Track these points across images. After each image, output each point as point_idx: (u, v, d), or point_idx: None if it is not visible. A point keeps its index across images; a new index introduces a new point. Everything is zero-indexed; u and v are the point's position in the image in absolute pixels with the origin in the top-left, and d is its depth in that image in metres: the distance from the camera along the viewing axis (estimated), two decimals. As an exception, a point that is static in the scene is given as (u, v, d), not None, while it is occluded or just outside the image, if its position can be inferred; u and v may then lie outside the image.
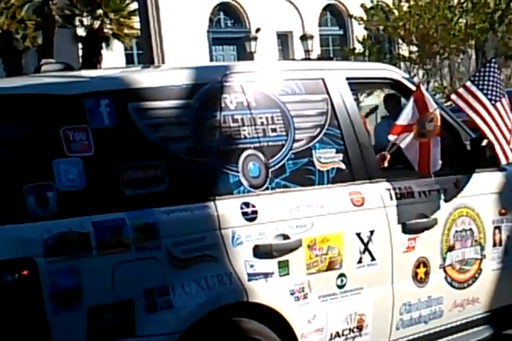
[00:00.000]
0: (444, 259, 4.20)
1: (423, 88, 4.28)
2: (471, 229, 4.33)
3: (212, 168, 3.48)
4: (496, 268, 4.46)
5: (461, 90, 4.22)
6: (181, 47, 22.89)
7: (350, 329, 3.79)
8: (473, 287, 4.34)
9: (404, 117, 4.22)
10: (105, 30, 19.58)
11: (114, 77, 3.63)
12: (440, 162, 4.20)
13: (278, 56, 26.07)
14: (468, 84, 4.22)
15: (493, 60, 4.29)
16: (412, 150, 4.17)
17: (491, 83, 4.18)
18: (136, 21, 17.49)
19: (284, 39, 27.22)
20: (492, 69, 4.20)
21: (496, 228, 4.46)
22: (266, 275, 3.48)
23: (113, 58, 19.43)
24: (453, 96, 4.23)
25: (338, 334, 3.74)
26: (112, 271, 3.10)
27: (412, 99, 4.23)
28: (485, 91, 4.20)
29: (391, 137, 4.23)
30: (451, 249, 4.23)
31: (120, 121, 3.30)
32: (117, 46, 20.85)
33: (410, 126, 4.21)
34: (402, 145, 4.20)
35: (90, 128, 3.22)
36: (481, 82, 4.19)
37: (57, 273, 2.99)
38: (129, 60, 23.11)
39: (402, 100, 6.16)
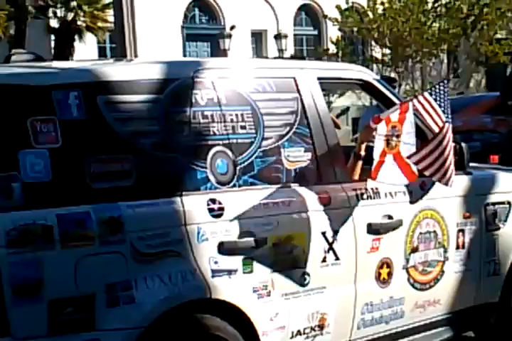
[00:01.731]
0: (408, 260, 4.23)
1: (418, 108, 4.11)
2: (435, 232, 4.37)
3: (180, 163, 3.47)
4: (458, 270, 4.50)
5: (421, 99, 4.13)
6: (155, 42, 22.81)
7: (311, 328, 3.81)
8: (435, 289, 4.38)
9: (387, 114, 4.14)
10: (78, 23, 19.47)
11: (84, 69, 3.61)
12: (385, 182, 4.09)
13: (252, 54, 26.10)
14: (427, 95, 4.14)
15: (446, 81, 4.23)
16: (377, 149, 4.08)
17: (446, 102, 4.11)
18: (110, 14, 17.42)
19: (258, 37, 27.25)
20: (446, 90, 4.12)
21: (459, 231, 4.50)
22: (230, 272, 3.48)
23: (86, 51, 19.32)
24: (415, 101, 4.12)
25: (299, 333, 3.76)
26: (75, 265, 3.08)
27: (398, 107, 4.12)
28: (442, 108, 4.12)
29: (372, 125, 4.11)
30: (414, 250, 4.26)
31: (89, 114, 3.28)
32: (90, 39, 20.75)
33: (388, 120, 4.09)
34: (375, 142, 4.08)
35: (58, 120, 3.20)
36: (437, 97, 4.12)
37: (19, 264, 2.97)
38: (102, 54, 22.98)
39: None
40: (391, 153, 4.05)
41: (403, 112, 4.08)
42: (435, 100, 4.09)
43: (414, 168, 4.08)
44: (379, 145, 4.06)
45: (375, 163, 4.05)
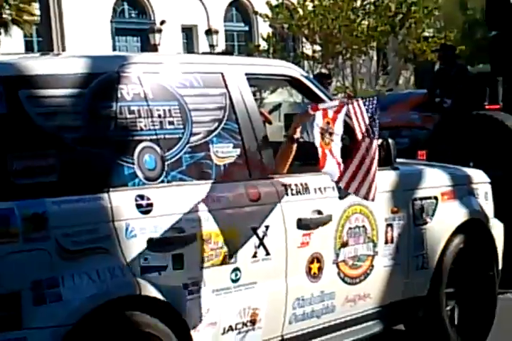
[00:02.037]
0: (338, 255, 4.26)
1: (347, 109, 4.08)
2: (364, 226, 4.41)
3: (107, 159, 3.41)
4: (387, 264, 4.55)
5: (355, 105, 4.11)
6: (83, 36, 22.49)
7: (243, 323, 3.80)
8: (365, 283, 4.42)
9: (325, 105, 4.11)
10: (4, 16, 19.05)
11: (5, 62, 3.51)
12: (329, 172, 4.06)
13: (182, 49, 25.97)
14: (361, 103, 4.13)
15: (376, 99, 4.22)
16: (316, 137, 4.01)
17: (376, 118, 4.11)
18: (36, 8, 17.08)
19: (188, 33, 27.14)
20: (376, 106, 4.12)
21: (388, 225, 4.55)
22: (159, 268, 3.44)
23: (12, 45, 18.93)
24: (349, 106, 4.09)
25: (231, 328, 3.75)
26: None
27: (335, 105, 4.11)
28: (370, 121, 4.11)
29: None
30: (344, 245, 4.29)
31: (11, 108, 3.19)
32: (16, 32, 20.33)
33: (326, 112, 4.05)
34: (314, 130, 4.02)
35: None
36: (369, 110, 4.10)
37: None
38: (29, 47, 22.55)
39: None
40: (326, 148, 4.02)
41: (337, 112, 4.07)
42: (366, 111, 4.10)
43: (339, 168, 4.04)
44: (317, 135, 4.02)
45: (320, 151, 3.98)
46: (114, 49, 24.75)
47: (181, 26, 26.48)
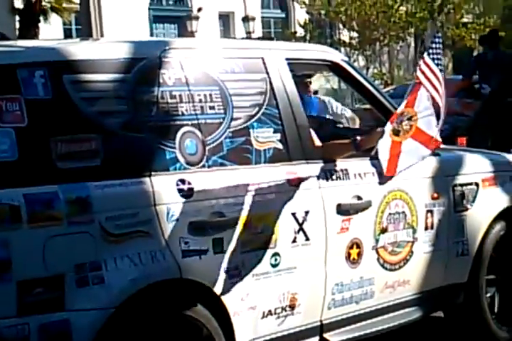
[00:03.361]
0: (377, 241, 4.24)
1: (423, 81, 4.14)
2: (404, 212, 4.39)
3: (149, 143, 3.43)
4: (427, 251, 4.52)
5: (423, 67, 4.14)
6: (121, 23, 22.55)
7: (282, 308, 3.81)
8: (405, 269, 4.40)
9: (400, 106, 4.16)
10: (43, 3, 19.18)
11: (50, 48, 3.55)
12: (408, 165, 4.17)
13: (220, 36, 25.93)
14: (427, 58, 4.14)
15: (439, 34, 4.29)
16: (383, 148, 4.11)
17: (440, 56, 4.15)
18: (75, -5, 17.18)
19: (225, 20, 27.10)
20: (440, 42, 4.18)
21: (428, 212, 4.52)
22: (200, 252, 3.46)
23: (51, 32, 19.06)
24: (419, 74, 4.12)
25: (270, 313, 3.76)
26: (43, 245, 3.05)
27: (410, 90, 4.15)
28: (437, 64, 4.14)
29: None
30: (384, 231, 4.27)
31: (55, 93, 3.22)
32: (56, 20, 20.47)
33: (392, 115, 4.17)
34: (380, 141, 4.10)
35: (24, 99, 3.14)
36: (435, 56, 4.15)
37: None
38: (68, 35, 22.67)
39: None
40: (406, 137, 4.08)
41: (414, 93, 4.10)
42: (432, 60, 4.11)
43: (436, 134, 4.17)
44: (386, 141, 4.08)
45: (386, 160, 4.08)
46: (152, 36, 24.80)
47: (218, 13, 26.45)
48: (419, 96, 4.11)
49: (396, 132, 4.11)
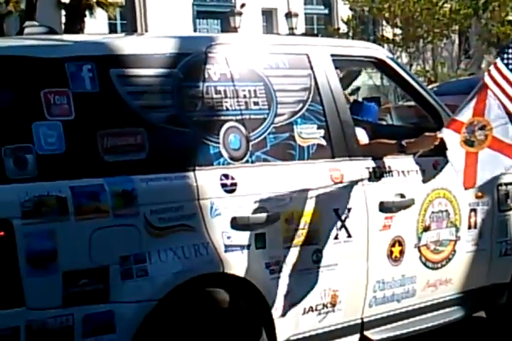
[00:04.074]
0: (420, 239, 4.22)
1: (492, 88, 4.03)
2: (447, 211, 4.35)
3: (193, 138, 3.46)
4: (470, 250, 4.48)
5: (493, 72, 3.97)
6: (165, 19, 22.69)
7: (323, 305, 3.80)
8: (447, 268, 4.36)
9: (462, 113, 4.05)
10: (89, -2, 19.37)
11: (97, 42, 3.59)
12: (491, 176, 4.13)
13: (262, 32, 25.94)
14: (499, 63, 3.97)
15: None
16: (457, 158, 4.05)
17: None
18: (121, -9, 17.31)
19: (268, 16, 27.10)
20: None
21: (471, 210, 4.48)
22: (242, 247, 3.47)
23: (96, 27, 19.23)
24: (487, 79, 3.98)
25: (311, 309, 3.76)
26: (89, 237, 3.08)
27: (476, 97, 4.05)
28: (511, 70, 3.98)
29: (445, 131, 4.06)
30: (426, 229, 4.25)
31: (102, 87, 3.26)
32: (101, 15, 20.64)
33: (460, 124, 4.04)
34: (449, 151, 4.04)
35: (72, 92, 3.18)
36: (510, 61, 4.00)
37: (34, 235, 2.97)
38: (113, 30, 22.88)
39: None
40: (483, 147, 4.00)
41: (481, 101, 4.00)
42: (506, 65, 3.99)
43: None
44: (458, 152, 4.01)
45: (462, 171, 4.01)
46: (195, 32, 24.90)
47: (261, 9, 26.46)
48: (488, 104, 4.00)
49: (470, 143, 4.03)
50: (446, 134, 4.08)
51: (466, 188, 4.14)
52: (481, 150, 4.03)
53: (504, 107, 4.05)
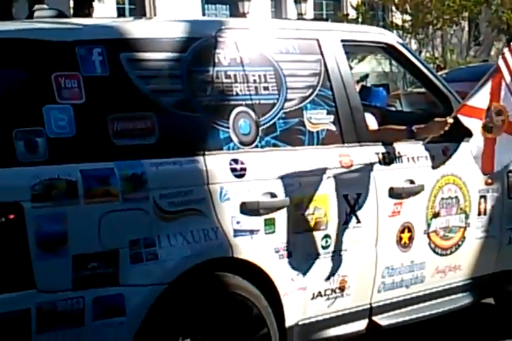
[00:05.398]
0: (429, 225, 4.21)
1: (504, 72, 4.00)
2: (456, 197, 4.34)
3: (203, 122, 3.45)
4: (479, 236, 4.47)
5: (507, 54, 3.94)
6: (174, 3, 22.61)
7: (332, 290, 3.81)
8: (456, 254, 4.36)
9: (476, 99, 4.04)
10: (97, -18, 19.29)
11: (108, 26, 3.57)
12: (507, 161, 4.13)
13: (271, 18, 25.84)
14: None
15: None
16: (476, 146, 4.05)
17: None
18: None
19: (277, 1, 26.97)
20: None
21: (481, 197, 4.47)
22: (252, 232, 3.48)
23: (104, 11, 19.17)
24: (500, 62, 3.95)
25: (320, 294, 3.77)
26: (99, 220, 3.09)
27: (490, 82, 4.03)
28: None
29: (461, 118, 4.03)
30: (436, 215, 4.24)
31: (112, 71, 3.26)
32: (109, -1, 20.58)
33: (480, 111, 4.03)
34: (472, 138, 4.03)
35: (82, 76, 3.18)
36: None
37: (43, 219, 2.98)
38: (121, 14, 22.81)
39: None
40: (500, 132, 3.99)
41: (496, 86, 3.99)
42: None
43: None
44: (478, 138, 4.00)
45: (480, 157, 4.02)
46: (204, 16, 24.82)
47: (270, -5, 26.36)
48: (503, 90, 3.98)
49: (488, 128, 4.01)
50: (467, 121, 4.05)
51: (485, 173, 4.14)
52: (499, 136, 4.03)
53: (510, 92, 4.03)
